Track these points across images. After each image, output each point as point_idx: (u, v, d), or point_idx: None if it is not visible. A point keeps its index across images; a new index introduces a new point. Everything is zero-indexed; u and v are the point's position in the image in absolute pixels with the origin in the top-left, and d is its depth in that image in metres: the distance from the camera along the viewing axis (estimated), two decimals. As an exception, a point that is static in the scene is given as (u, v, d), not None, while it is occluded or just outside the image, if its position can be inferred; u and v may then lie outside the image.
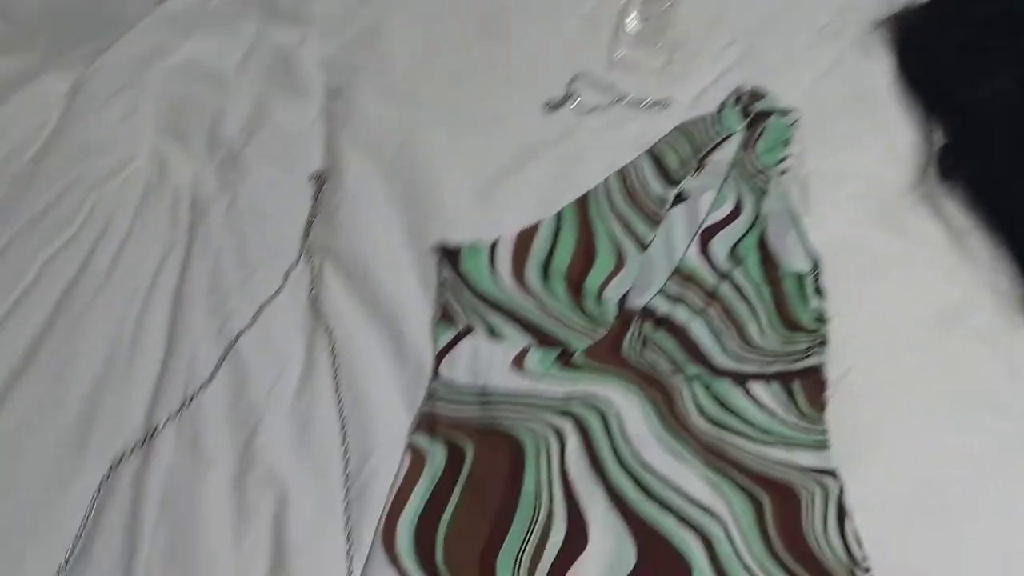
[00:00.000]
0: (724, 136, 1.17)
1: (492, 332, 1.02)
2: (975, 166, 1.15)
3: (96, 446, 0.96)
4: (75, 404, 0.99)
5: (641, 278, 1.06)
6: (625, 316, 1.04)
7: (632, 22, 1.32)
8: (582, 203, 1.11)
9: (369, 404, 1.00)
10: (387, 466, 0.96)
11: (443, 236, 1.09)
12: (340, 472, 0.95)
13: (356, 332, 1.05)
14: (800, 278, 1.05)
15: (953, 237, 1.11)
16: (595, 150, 1.21)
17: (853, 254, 1.09)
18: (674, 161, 1.15)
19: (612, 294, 1.05)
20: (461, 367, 1.01)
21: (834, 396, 0.99)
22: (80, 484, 0.93)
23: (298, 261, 1.10)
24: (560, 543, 0.90)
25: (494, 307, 1.03)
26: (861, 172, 1.18)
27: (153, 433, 0.96)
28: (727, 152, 1.16)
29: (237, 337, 1.04)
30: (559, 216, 1.10)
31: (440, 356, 1.01)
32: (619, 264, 1.06)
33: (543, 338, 1.02)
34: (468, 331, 1.02)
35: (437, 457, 0.95)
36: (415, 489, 0.93)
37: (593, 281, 1.05)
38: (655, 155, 1.16)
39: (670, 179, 1.13)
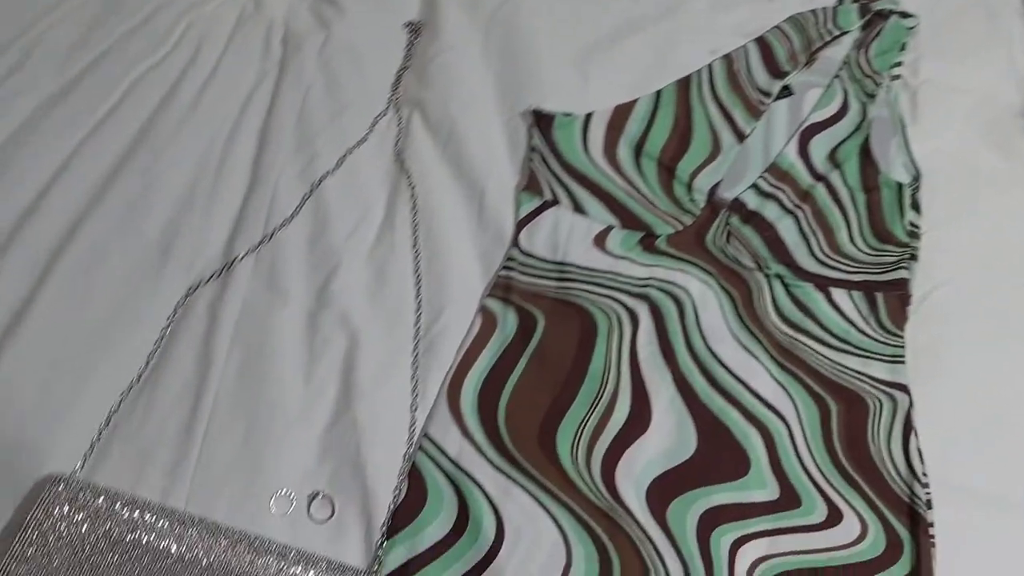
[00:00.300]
0: (838, 33, 1.12)
1: (576, 206, 1.00)
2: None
3: (173, 271, 0.97)
4: (155, 228, 0.99)
5: (734, 169, 1.03)
6: (713, 206, 1.01)
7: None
8: (683, 85, 1.08)
9: (445, 263, 0.99)
10: (457, 325, 0.96)
11: (536, 102, 1.06)
12: (411, 325, 0.96)
13: (438, 190, 1.04)
14: (899, 189, 1.01)
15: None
16: (697, 32, 1.16)
17: (957, 171, 1.05)
18: (783, 53, 1.10)
19: (703, 182, 1.02)
20: (541, 238, 0.99)
21: (916, 312, 0.97)
22: (155, 306, 0.94)
23: (386, 111, 1.08)
24: (622, 422, 0.90)
25: (581, 180, 1.02)
26: (976, 87, 1.13)
27: (231, 263, 0.97)
28: (840, 50, 1.12)
29: (321, 179, 1.03)
30: (658, 96, 1.07)
31: (521, 224, 1.00)
32: (714, 152, 1.03)
33: (627, 219, 1.00)
34: (552, 202, 1.00)
35: (509, 323, 0.95)
36: (483, 351, 0.94)
37: (685, 167, 1.02)
38: (764, 44, 1.12)
39: (777, 71, 1.09)
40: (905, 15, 1.12)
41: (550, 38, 1.14)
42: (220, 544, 0.79)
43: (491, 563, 0.81)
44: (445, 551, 0.82)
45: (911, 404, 0.92)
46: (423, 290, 0.98)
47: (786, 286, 0.98)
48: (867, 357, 0.94)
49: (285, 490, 0.85)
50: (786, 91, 1.08)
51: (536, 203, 1.01)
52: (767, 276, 0.98)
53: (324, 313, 0.95)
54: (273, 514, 0.84)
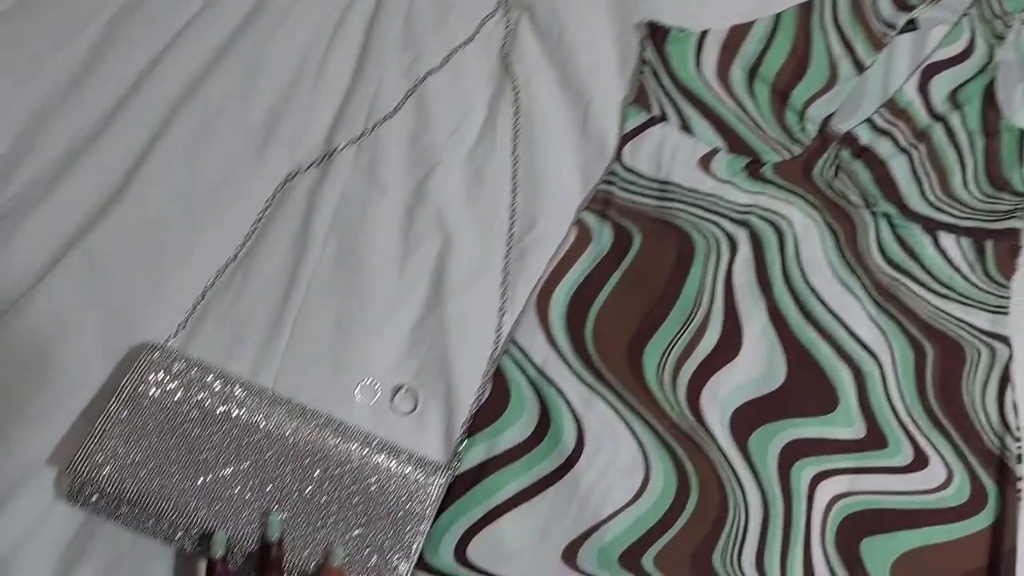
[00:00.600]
0: (972, -32, 1.06)
1: (684, 125, 0.98)
2: None
3: (275, 155, 0.96)
4: (259, 112, 0.99)
5: (850, 102, 1.00)
6: (824, 137, 0.98)
7: None
8: (805, 10, 1.04)
9: (544, 171, 0.98)
10: (551, 236, 0.95)
11: (651, 15, 1.03)
12: (504, 230, 0.95)
13: (542, 96, 1.02)
14: (1020, 136, 0.97)
15: None
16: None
17: (1084, 122, 1.00)
18: (912, -15, 1.05)
19: (816, 112, 0.99)
20: (645, 155, 0.98)
21: (1025, 264, 0.94)
22: (255, 188, 0.95)
23: (495, 12, 1.06)
24: (712, 346, 0.89)
25: (692, 99, 0.99)
26: (1112, 37, 1.07)
27: (332, 153, 0.96)
28: (971, -13, 1.06)
29: (425, 76, 1.02)
30: (777, 19, 1.03)
31: (626, 139, 0.98)
32: (831, 82, 1.00)
33: (735, 143, 0.98)
34: (660, 119, 0.98)
35: (604, 238, 0.94)
36: (576, 264, 0.93)
37: (800, 94, 0.99)
38: (893, -26, 1.07)
39: (904, 4, 1.04)
40: (1045, -44, 1.06)
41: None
42: (308, 425, 0.81)
43: (569, 470, 0.82)
44: (524, 454, 0.83)
45: (1011, 356, 0.89)
46: (518, 198, 0.97)
47: (892, 226, 0.95)
48: (970, 305, 0.92)
49: (371, 380, 0.86)
50: (911, 25, 1.04)
51: (643, 118, 0.99)
52: (873, 214, 0.95)
53: (420, 209, 0.95)
54: (357, 402, 0.85)
